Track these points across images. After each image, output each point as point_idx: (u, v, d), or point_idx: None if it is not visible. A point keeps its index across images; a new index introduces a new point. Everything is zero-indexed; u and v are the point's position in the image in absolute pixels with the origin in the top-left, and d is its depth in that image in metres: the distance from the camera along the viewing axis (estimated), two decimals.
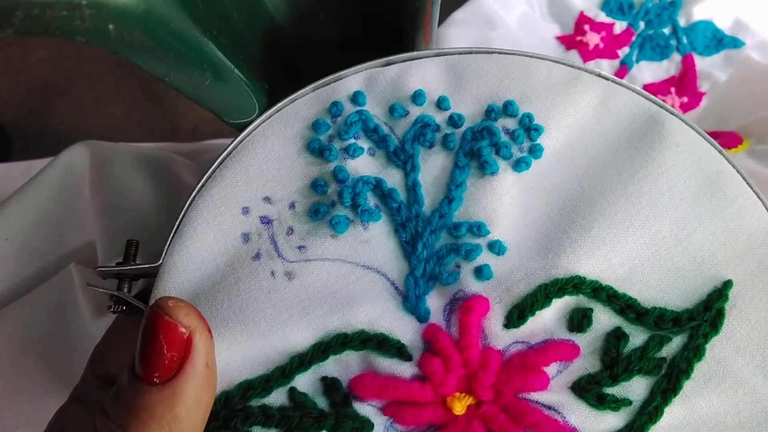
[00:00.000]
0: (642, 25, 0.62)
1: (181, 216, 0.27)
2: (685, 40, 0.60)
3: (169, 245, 0.26)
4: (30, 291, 0.36)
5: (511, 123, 0.28)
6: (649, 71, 0.60)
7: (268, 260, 0.26)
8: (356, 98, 0.28)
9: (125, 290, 0.26)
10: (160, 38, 0.23)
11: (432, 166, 0.27)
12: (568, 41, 0.62)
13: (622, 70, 0.60)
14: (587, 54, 0.61)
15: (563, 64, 0.29)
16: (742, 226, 0.26)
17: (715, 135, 0.44)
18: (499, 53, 0.29)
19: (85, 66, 1.02)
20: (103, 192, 0.35)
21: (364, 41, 0.37)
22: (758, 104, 0.45)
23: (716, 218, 0.26)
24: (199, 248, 0.26)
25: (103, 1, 0.20)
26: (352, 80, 0.29)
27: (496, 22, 0.60)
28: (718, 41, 0.60)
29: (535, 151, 0.27)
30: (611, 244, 0.26)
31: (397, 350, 0.25)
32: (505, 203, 0.27)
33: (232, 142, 0.28)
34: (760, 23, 0.60)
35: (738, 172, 0.27)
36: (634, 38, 0.62)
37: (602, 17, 0.63)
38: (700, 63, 0.59)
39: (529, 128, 0.27)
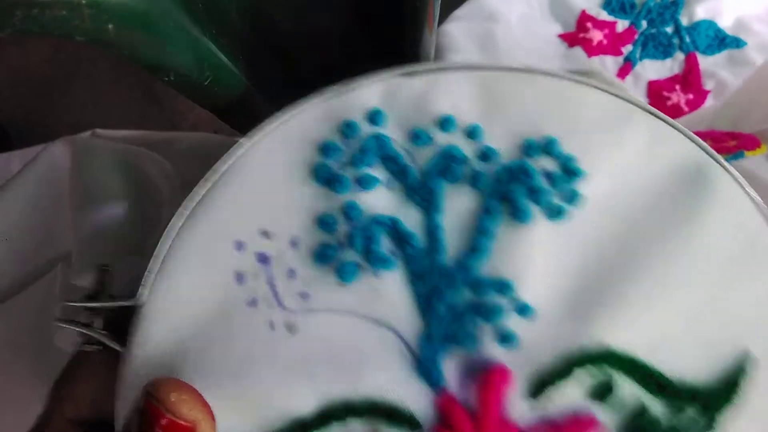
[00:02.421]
0: (644, 23, 0.62)
1: (163, 246, 0.24)
2: (687, 39, 0.60)
3: (149, 280, 0.23)
4: (20, 292, 0.35)
5: (550, 164, 0.25)
6: (653, 69, 0.60)
7: (266, 308, 0.23)
8: (374, 118, 0.25)
9: (100, 325, 0.23)
10: (159, 38, 0.23)
11: (457, 206, 0.24)
12: (571, 39, 0.62)
13: (626, 67, 0.60)
14: (591, 50, 0.61)
15: (616, 96, 0.26)
16: None
17: (732, 136, 0.44)
18: (544, 75, 0.26)
19: (84, 66, 1.02)
20: (78, 194, 0.33)
21: (365, 42, 0.36)
22: None
23: (748, 287, 0.24)
24: (186, 287, 0.23)
25: (103, 1, 0.20)
26: (368, 92, 0.25)
27: (497, 17, 0.60)
28: (720, 41, 0.60)
29: (574, 199, 0.24)
30: (644, 312, 0.24)
31: (407, 422, 0.22)
32: (536, 259, 0.24)
33: (221, 160, 0.24)
34: (762, 23, 0.60)
35: None
36: (636, 37, 0.61)
37: (604, 16, 0.62)
38: (703, 62, 0.59)
39: (570, 172, 0.25)
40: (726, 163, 0.26)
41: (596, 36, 0.61)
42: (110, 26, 0.20)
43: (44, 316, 0.34)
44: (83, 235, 0.32)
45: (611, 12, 0.62)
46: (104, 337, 0.23)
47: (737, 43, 0.59)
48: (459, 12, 0.61)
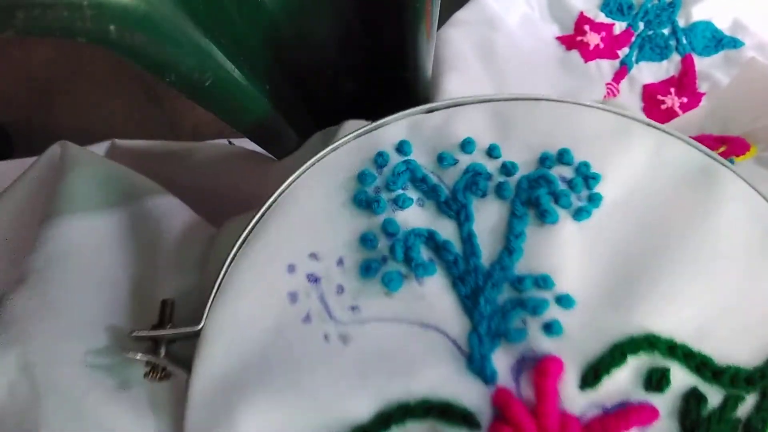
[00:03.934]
0: (641, 25, 0.62)
1: (222, 274, 0.25)
2: (684, 41, 0.60)
3: (210, 306, 0.25)
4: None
5: (567, 171, 0.27)
6: (649, 72, 0.60)
7: (319, 323, 0.25)
8: (402, 147, 0.28)
9: (161, 354, 0.25)
10: (160, 39, 0.23)
11: (487, 216, 0.26)
12: (569, 41, 0.62)
13: (622, 71, 0.60)
14: (588, 54, 0.61)
15: (612, 112, 0.28)
16: None
17: (721, 141, 0.44)
18: (547, 101, 0.28)
19: (85, 66, 1.03)
20: (49, 199, 0.32)
21: (364, 42, 0.37)
22: (763, 109, 0.44)
23: None
24: (244, 310, 0.25)
25: (104, 2, 0.20)
26: (394, 128, 0.28)
27: (496, 24, 0.60)
28: (718, 41, 0.60)
29: (595, 200, 0.26)
30: (680, 299, 0.24)
31: (464, 418, 0.23)
32: (568, 254, 0.25)
33: (272, 195, 0.27)
34: (760, 24, 0.60)
35: None
36: (633, 39, 0.62)
37: (602, 18, 0.63)
38: (700, 63, 0.59)
39: (587, 177, 0.27)
40: (728, 163, 0.27)
41: (593, 40, 0.61)
42: (112, 27, 0.21)
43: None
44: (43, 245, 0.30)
45: (609, 14, 0.63)
46: (169, 363, 0.25)
47: (735, 43, 0.59)
48: (460, 15, 0.61)
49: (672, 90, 0.58)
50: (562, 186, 0.27)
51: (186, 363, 0.24)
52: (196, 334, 0.25)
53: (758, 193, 0.27)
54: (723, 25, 0.60)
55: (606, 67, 0.61)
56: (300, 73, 0.37)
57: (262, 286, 0.25)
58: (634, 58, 0.61)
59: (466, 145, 0.27)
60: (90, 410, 0.26)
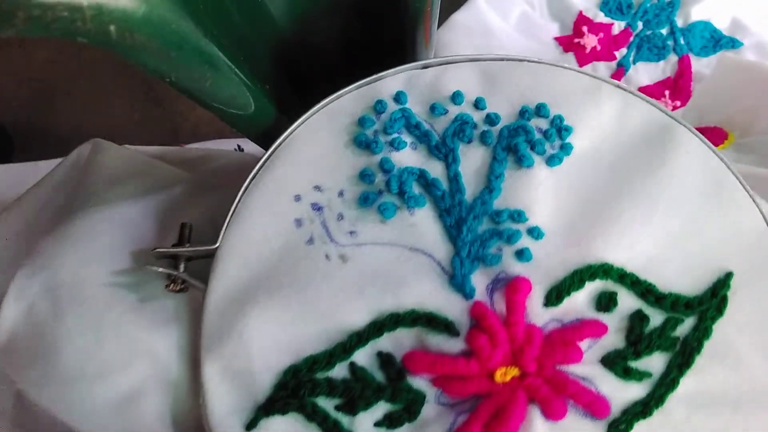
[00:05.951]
0: (640, 25, 0.62)
1: (236, 202, 0.29)
2: (681, 41, 0.60)
3: (225, 229, 0.28)
4: None
5: (543, 123, 0.31)
6: (646, 73, 0.60)
7: (321, 244, 0.28)
8: (398, 97, 0.31)
9: (180, 270, 0.28)
10: (161, 39, 0.23)
11: (471, 159, 0.30)
12: (566, 43, 0.62)
13: (619, 72, 0.60)
14: (584, 57, 0.61)
15: (586, 74, 0.32)
16: (741, 224, 0.29)
17: (699, 131, 0.44)
18: (529, 61, 0.32)
19: (86, 66, 1.03)
20: (81, 191, 0.33)
21: (364, 42, 0.37)
22: (738, 96, 0.45)
23: (721, 216, 0.29)
24: (255, 232, 0.28)
25: (105, 3, 0.20)
26: (393, 80, 0.31)
27: (494, 27, 0.60)
28: (716, 42, 0.60)
29: (566, 149, 0.30)
30: (634, 236, 0.28)
31: (446, 327, 0.27)
32: (541, 193, 0.29)
33: (281, 136, 0.30)
34: (758, 23, 0.60)
35: (735, 176, 0.30)
36: (632, 39, 0.61)
37: (601, 17, 0.62)
38: (697, 64, 0.59)
39: (560, 128, 0.30)
40: (685, 122, 0.31)
41: (590, 42, 0.61)
42: (112, 28, 0.21)
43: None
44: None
45: (608, 13, 0.63)
46: (189, 279, 0.28)
47: (733, 43, 0.59)
48: (457, 17, 0.61)
49: (666, 93, 0.58)
50: (538, 135, 0.30)
51: (202, 278, 0.28)
52: (212, 253, 0.28)
53: (710, 149, 0.30)
54: (722, 25, 0.60)
55: (602, 69, 0.60)
56: (300, 73, 0.37)
57: (272, 212, 0.29)
58: (631, 59, 0.61)
59: (456, 97, 0.31)
60: (112, 322, 0.28)
